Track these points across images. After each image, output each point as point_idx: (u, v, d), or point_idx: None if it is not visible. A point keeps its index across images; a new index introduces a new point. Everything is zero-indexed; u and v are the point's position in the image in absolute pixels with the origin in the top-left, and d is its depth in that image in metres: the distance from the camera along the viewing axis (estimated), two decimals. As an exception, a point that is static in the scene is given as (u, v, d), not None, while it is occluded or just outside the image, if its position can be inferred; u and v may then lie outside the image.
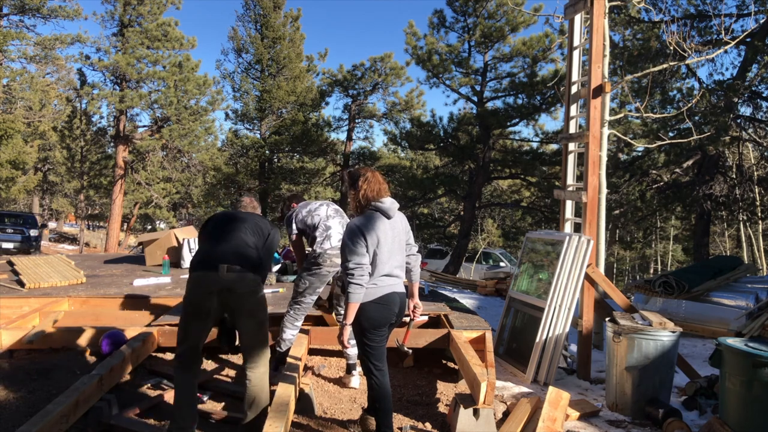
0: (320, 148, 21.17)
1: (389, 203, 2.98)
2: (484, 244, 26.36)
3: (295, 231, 4.16)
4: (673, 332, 3.82)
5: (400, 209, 3.11)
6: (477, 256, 18.28)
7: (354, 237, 2.85)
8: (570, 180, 5.30)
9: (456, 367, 4.36)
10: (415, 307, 3.20)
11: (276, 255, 7.03)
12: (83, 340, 4.14)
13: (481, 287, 9.92)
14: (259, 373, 3.11)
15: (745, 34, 8.51)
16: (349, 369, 4.09)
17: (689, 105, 9.83)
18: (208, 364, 4.21)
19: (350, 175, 3.10)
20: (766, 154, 14.04)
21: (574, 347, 5.20)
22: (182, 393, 2.98)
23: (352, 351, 3.92)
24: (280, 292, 5.71)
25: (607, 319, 4.16)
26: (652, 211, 15.07)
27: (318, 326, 4.44)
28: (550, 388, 3.65)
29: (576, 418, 3.69)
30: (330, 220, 4.14)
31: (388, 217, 2.95)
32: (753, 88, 11.16)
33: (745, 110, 11.89)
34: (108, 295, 5.17)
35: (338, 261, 3.90)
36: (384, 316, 2.92)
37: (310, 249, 4.14)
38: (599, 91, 4.78)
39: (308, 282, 3.96)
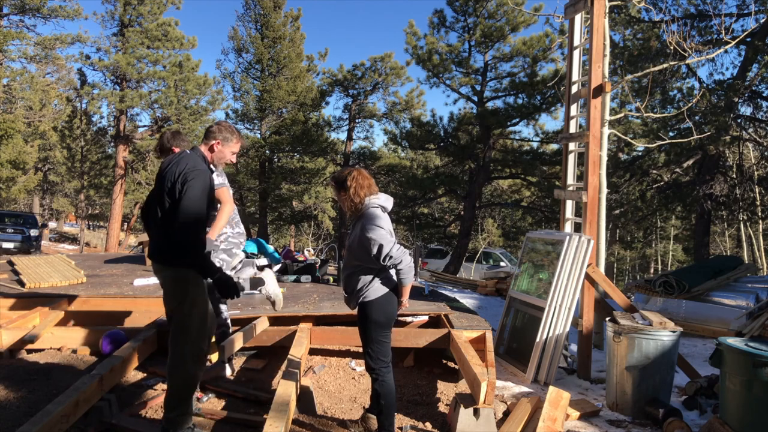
0: (320, 147, 21.15)
1: (384, 198, 3.06)
2: (485, 244, 26.30)
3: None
4: (674, 332, 3.82)
5: (400, 209, 3.15)
6: (477, 256, 18.25)
7: (386, 232, 2.91)
8: (570, 180, 5.30)
9: (456, 367, 4.36)
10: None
11: (276, 255, 6.89)
12: (83, 340, 4.15)
13: (481, 287, 9.92)
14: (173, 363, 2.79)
15: (745, 33, 8.51)
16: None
17: (689, 105, 9.83)
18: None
19: (336, 180, 3.07)
20: (766, 153, 14.03)
21: (574, 347, 5.19)
22: None
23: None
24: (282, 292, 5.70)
25: (607, 318, 4.16)
26: (653, 210, 15.07)
27: (318, 326, 4.44)
28: (551, 387, 3.65)
29: (576, 418, 3.69)
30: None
31: (385, 211, 3.06)
32: (753, 88, 11.16)
33: (746, 110, 11.92)
34: (108, 295, 5.16)
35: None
36: (395, 308, 3.04)
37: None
38: (599, 90, 4.78)
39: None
